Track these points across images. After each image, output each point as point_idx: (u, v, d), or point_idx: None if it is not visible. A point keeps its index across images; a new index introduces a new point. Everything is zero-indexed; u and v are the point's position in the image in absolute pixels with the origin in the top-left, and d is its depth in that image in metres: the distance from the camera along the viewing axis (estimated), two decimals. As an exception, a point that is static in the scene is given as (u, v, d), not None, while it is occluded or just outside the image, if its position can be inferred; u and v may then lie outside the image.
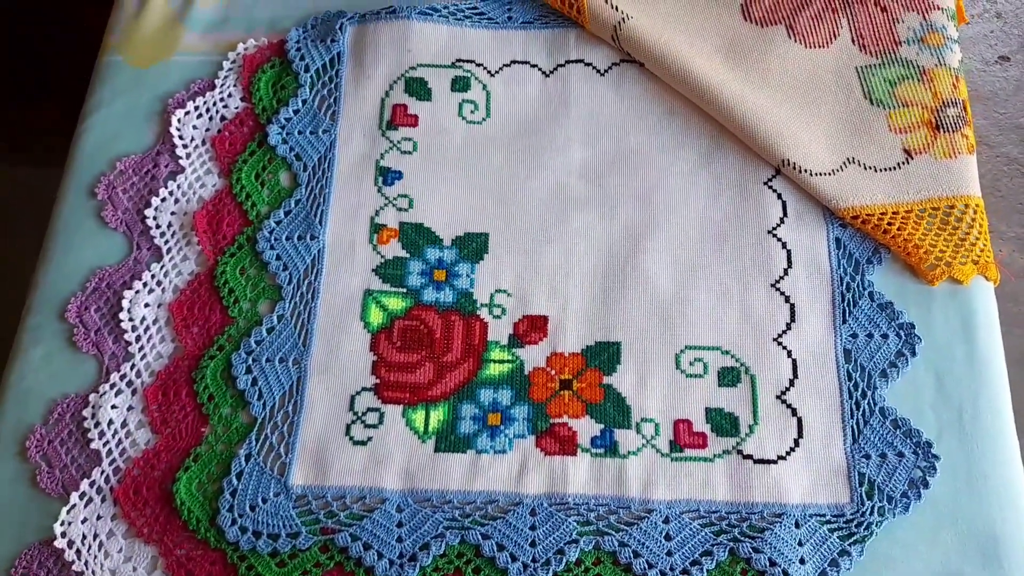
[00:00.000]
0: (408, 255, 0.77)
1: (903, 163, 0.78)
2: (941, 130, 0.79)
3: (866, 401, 0.69)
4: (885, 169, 0.78)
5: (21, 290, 0.77)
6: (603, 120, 0.83)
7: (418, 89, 0.84)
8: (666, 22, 0.85)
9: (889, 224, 0.75)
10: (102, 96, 0.85)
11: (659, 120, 0.83)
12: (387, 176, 0.80)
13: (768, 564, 0.63)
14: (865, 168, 0.78)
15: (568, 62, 0.86)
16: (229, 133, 0.82)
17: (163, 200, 0.79)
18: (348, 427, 0.69)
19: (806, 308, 0.73)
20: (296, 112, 0.83)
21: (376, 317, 0.74)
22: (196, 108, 0.83)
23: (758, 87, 0.82)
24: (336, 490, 0.67)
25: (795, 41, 0.85)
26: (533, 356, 0.72)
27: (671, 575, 0.63)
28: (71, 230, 0.78)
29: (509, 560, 0.64)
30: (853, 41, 0.85)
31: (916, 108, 0.81)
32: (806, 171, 0.77)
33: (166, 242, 0.77)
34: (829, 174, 0.78)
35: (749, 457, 0.68)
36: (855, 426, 0.68)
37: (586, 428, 0.69)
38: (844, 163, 0.78)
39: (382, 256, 0.77)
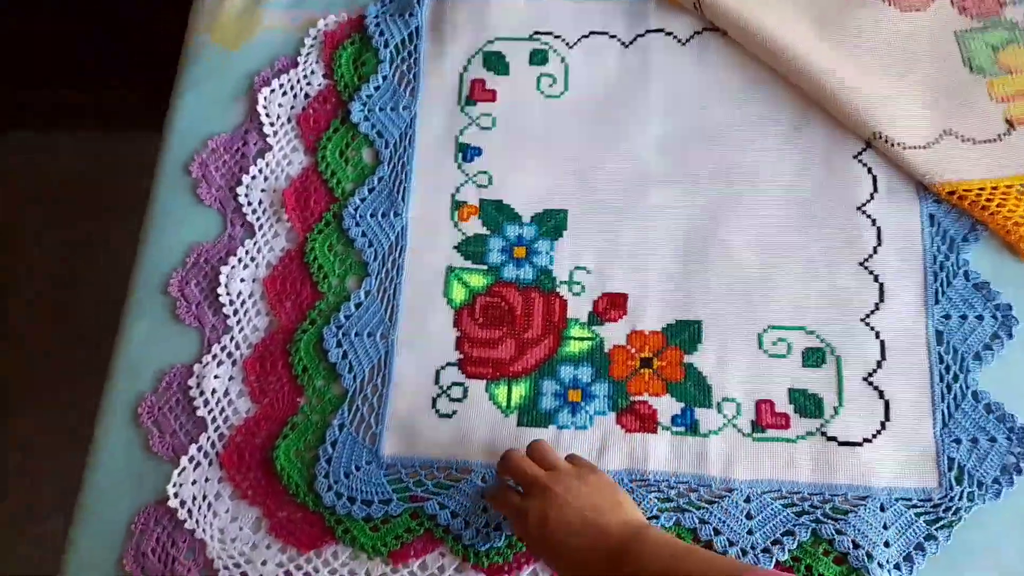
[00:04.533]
0: (488, 232, 0.78)
1: (1004, 134, 0.75)
2: (1049, 99, 0.75)
3: (958, 384, 0.68)
4: (985, 141, 0.75)
5: (122, 268, 0.81)
6: (684, 92, 0.81)
7: (496, 63, 0.84)
8: (752, -12, 0.82)
9: (988, 200, 0.72)
10: (191, 76, 0.88)
11: (743, 92, 0.80)
12: (466, 152, 0.81)
13: (851, 546, 0.63)
14: (963, 140, 0.75)
15: (648, 32, 0.84)
16: (313, 111, 0.84)
17: (253, 178, 0.82)
18: (434, 400, 0.72)
19: (896, 288, 0.71)
20: (377, 88, 0.84)
21: (458, 294, 0.76)
22: (281, 86, 0.85)
23: (849, 55, 0.79)
24: (424, 460, 0.70)
25: (889, 4, 0.81)
26: (613, 334, 0.73)
27: (752, 553, 0.64)
28: (168, 208, 0.82)
29: (591, 532, 0.66)
30: (952, 3, 0.81)
31: (1020, 75, 0.76)
32: (899, 144, 0.74)
33: (257, 219, 0.80)
34: (924, 147, 0.75)
35: (833, 439, 0.67)
36: (945, 410, 0.67)
37: (666, 406, 0.70)
38: (940, 135, 0.75)
39: (463, 233, 0.78)
